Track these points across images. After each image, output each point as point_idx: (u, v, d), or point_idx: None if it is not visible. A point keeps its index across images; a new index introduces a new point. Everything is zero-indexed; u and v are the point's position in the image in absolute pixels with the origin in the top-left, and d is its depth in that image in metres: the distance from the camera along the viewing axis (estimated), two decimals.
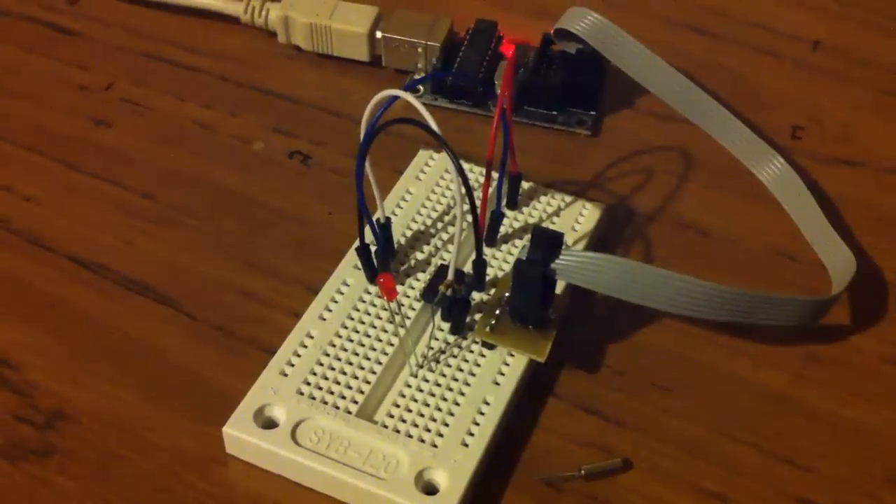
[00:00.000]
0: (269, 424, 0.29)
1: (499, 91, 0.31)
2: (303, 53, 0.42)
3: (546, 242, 0.29)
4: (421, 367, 0.30)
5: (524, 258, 0.29)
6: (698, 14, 0.44)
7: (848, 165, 0.38)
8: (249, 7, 0.42)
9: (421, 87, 0.40)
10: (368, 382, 0.29)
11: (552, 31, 0.38)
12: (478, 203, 0.29)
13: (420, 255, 0.33)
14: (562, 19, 0.37)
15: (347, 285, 0.32)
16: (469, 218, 0.29)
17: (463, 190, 0.28)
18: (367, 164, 0.29)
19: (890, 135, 0.39)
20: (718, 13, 0.44)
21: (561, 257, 0.29)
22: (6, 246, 0.34)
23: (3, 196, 0.36)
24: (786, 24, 0.43)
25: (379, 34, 0.40)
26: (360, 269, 0.32)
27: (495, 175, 0.32)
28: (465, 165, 0.33)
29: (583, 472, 0.29)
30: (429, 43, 0.40)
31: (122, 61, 0.41)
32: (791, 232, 0.35)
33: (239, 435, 0.28)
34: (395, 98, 0.29)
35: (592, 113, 0.39)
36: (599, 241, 0.35)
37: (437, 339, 0.31)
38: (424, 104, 0.28)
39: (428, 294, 0.31)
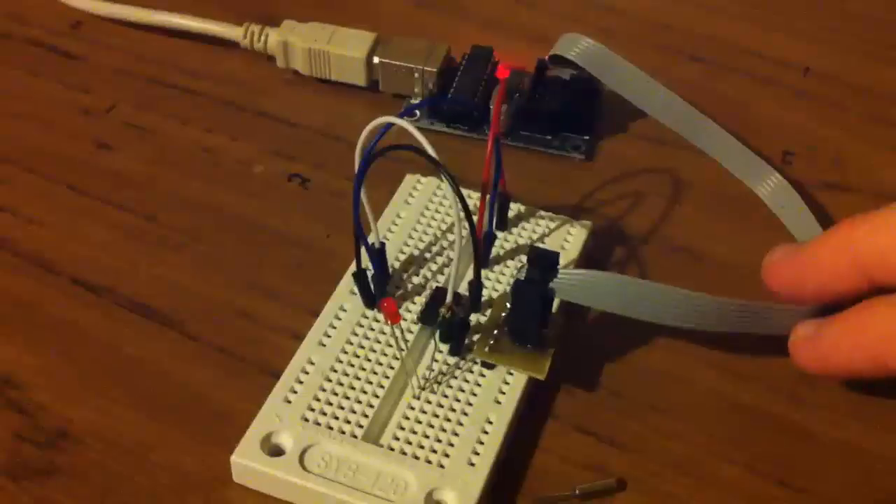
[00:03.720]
0: (277, 452, 0.29)
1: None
2: (301, 78, 0.42)
3: (543, 262, 0.29)
4: (423, 388, 0.30)
5: (522, 278, 0.30)
6: (692, 41, 0.45)
7: (838, 190, 0.38)
8: (249, 32, 0.42)
9: (418, 112, 0.40)
10: (372, 406, 0.30)
11: (547, 57, 0.39)
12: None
13: (414, 278, 0.33)
14: (557, 45, 0.38)
15: (345, 310, 0.32)
16: (464, 240, 0.30)
17: (462, 213, 0.29)
18: (362, 189, 0.30)
19: (880, 160, 0.40)
20: (711, 40, 0.45)
21: (559, 276, 0.29)
22: (10, 268, 0.35)
23: (7, 218, 0.36)
24: (778, 52, 0.44)
25: (376, 59, 0.41)
26: (356, 293, 0.32)
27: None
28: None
29: (577, 492, 0.29)
30: (425, 68, 0.40)
31: (125, 85, 0.42)
32: None
33: (247, 463, 0.29)
34: (391, 125, 0.29)
35: (587, 137, 0.40)
36: (595, 263, 0.35)
37: (437, 361, 0.31)
38: (421, 128, 0.29)
39: (426, 317, 0.32)
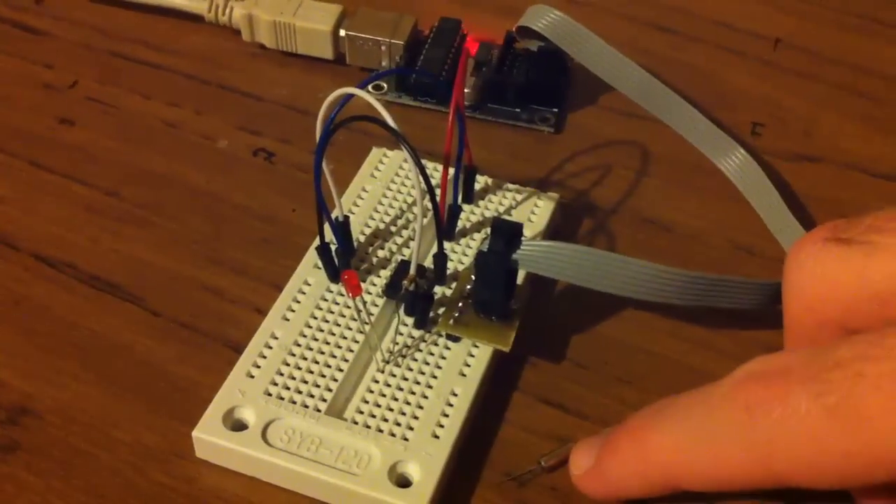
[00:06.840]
0: (239, 426, 0.29)
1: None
2: (267, 51, 0.42)
3: (507, 233, 0.29)
4: (387, 362, 0.30)
5: (486, 250, 0.29)
6: (661, 12, 0.45)
7: (808, 161, 0.38)
8: (213, 5, 0.42)
9: (385, 85, 0.40)
10: (336, 380, 0.30)
11: (514, 29, 0.38)
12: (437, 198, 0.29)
13: (380, 252, 0.33)
14: (524, 17, 0.38)
15: (309, 284, 0.32)
16: (429, 213, 0.29)
17: (423, 184, 0.28)
18: (325, 162, 0.30)
19: (849, 130, 0.39)
20: (681, 11, 0.45)
21: (522, 247, 0.29)
22: None
23: None
24: (748, 22, 0.44)
25: (343, 32, 0.40)
26: (320, 268, 0.32)
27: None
28: (425, 162, 0.33)
29: (543, 463, 0.29)
30: (393, 41, 0.40)
31: (88, 60, 0.41)
32: (751, 227, 0.36)
33: (209, 438, 0.28)
34: (351, 96, 0.29)
35: (555, 110, 0.39)
36: (563, 235, 0.35)
37: (401, 335, 0.31)
38: (388, 102, 0.29)
39: (390, 290, 0.32)
